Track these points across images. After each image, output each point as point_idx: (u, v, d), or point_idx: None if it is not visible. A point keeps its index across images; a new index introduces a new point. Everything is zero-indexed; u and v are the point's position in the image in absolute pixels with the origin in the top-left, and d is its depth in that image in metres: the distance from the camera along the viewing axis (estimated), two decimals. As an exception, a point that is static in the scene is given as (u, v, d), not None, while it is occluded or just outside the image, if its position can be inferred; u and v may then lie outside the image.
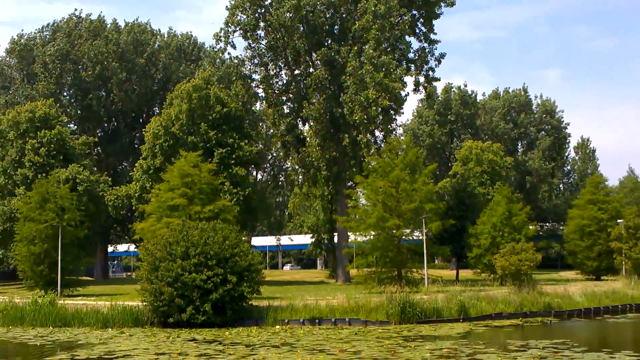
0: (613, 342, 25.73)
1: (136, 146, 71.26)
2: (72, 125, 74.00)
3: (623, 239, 46.88)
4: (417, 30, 56.01)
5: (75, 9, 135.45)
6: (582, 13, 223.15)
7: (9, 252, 54.16)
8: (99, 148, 76.56)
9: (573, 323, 32.27)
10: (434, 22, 55.87)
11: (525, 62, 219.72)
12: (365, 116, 50.67)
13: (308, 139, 57.79)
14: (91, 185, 56.46)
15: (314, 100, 54.76)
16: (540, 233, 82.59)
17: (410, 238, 43.91)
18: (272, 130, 63.95)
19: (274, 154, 79.48)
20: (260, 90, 58.74)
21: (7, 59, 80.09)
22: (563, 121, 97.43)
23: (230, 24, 55.71)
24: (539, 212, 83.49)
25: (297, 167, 61.24)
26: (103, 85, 74.73)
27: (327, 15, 55.35)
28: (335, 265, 60.25)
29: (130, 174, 64.96)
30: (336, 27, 55.84)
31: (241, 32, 56.09)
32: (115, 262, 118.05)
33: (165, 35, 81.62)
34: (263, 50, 56.84)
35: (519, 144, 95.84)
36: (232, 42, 56.60)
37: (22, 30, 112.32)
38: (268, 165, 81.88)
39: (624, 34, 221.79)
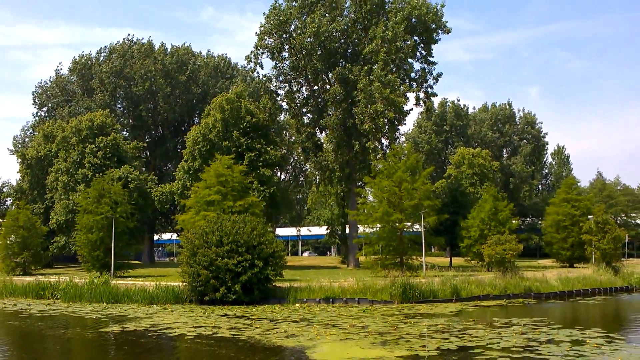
0: (584, 320, 25.55)
1: (179, 150, 71.35)
2: (124, 132, 74.35)
3: (593, 232, 46.43)
4: (418, 54, 55.69)
5: (128, 34, 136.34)
6: (558, 39, 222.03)
7: (70, 239, 54.45)
8: (147, 152, 76.93)
9: (550, 304, 32.06)
10: (433, 46, 55.56)
11: (510, 81, 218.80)
12: (373, 126, 50.63)
13: (324, 145, 57.80)
14: (140, 183, 56.78)
15: (330, 112, 54.80)
16: (522, 227, 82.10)
17: (411, 230, 43.77)
18: (294, 138, 63.94)
19: (295, 158, 79.44)
20: (284, 104, 58.83)
21: (69, 76, 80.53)
22: (542, 131, 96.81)
23: (259, 47, 55.79)
24: (520, 208, 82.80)
25: (314, 169, 61.23)
26: (151, 98, 75.01)
27: (342, 40, 55.27)
28: (347, 252, 60.12)
29: (173, 173, 65.06)
30: (349, 50, 55.78)
31: (268, 54, 56.19)
32: (160, 248, 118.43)
33: (204, 57, 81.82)
34: (287, 70, 56.89)
35: (504, 151, 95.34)
36: (261, 62, 56.73)
37: (82, 51, 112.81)
38: (290, 167, 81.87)
39: (594, 57, 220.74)
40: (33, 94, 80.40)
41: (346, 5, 55.39)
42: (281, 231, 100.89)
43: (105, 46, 79.36)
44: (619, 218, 72.40)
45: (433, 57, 55.92)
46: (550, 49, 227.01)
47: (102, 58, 77.71)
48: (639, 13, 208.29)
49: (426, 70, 55.92)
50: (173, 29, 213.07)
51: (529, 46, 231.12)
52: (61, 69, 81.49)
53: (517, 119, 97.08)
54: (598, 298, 35.08)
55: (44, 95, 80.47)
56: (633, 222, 78.12)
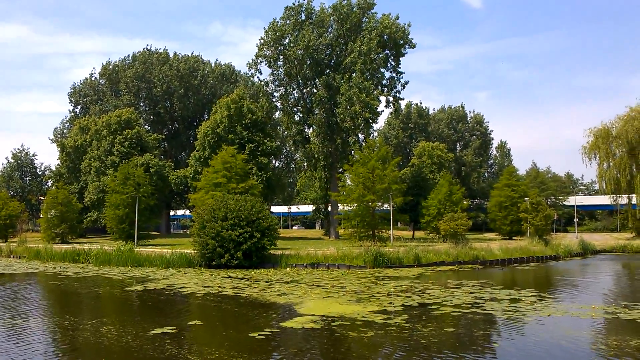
0: (520, 282, 25.79)
1: (191, 141, 70.94)
2: (146, 126, 73.65)
3: (528, 211, 46.73)
4: (389, 64, 55.54)
5: (147, 44, 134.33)
6: (503, 54, 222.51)
7: (100, 214, 54.15)
8: (165, 142, 76.32)
9: (493, 269, 32.32)
10: (401, 58, 55.46)
11: (463, 87, 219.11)
12: (352, 124, 50.57)
13: (312, 138, 57.67)
14: (159, 168, 56.46)
15: (317, 112, 54.61)
16: (471, 206, 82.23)
17: (381, 208, 43.86)
18: (286, 132, 63.71)
19: (287, 148, 79.31)
20: (279, 104, 58.52)
21: (99, 79, 79.58)
22: (488, 129, 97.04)
23: (259, 57, 55.44)
24: (470, 192, 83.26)
25: (303, 158, 61.12)
26: (168, 98, 74.33)
27: (327, 53, 54.96)
28: (329, 226, 60.20)
29: (187, 161, 64.80)
30: (333, 61, 55.46)
31: (266, 62, 55.80)
32: (175, 222, 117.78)
33: (212, 64, 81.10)
34: (281, 76, 56.50)
35: (458, 144, 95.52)
36: (260, 69, 56.78)
37: (109, 58, 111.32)
38: (283, 156, 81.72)
39: (530, 69, 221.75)
40: (69, 95, 79.52)
41: (330, 24, 55.16)
42: (275, 209, 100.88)
43: (129, 55, 78.56)
44: (549, 200, 72.95)
45: (400, 67, 55.94)
46: (495, 62, 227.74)
47: (126, 65, 76.77)
48: (567, 31, 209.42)
49: (395, 79, 55.89)
50: (186, 41, 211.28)
51: (478, 59, 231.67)
52: (94, 73, 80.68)
53: (468, 119, 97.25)
54: (532, 264, 35.43)
55: (78, 95, 79.51)
56: (560, 203, 78.83)
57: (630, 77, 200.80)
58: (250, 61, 55.98)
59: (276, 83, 57.01)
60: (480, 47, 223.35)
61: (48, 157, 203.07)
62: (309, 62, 53.90)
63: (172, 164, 63.70)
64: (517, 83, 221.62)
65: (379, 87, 54.66)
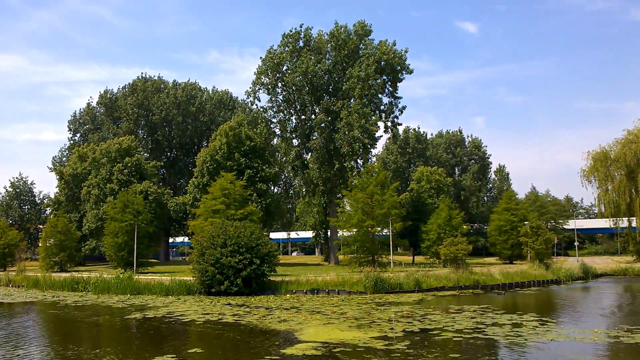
0: (521, 306, 25.71)
1: (190, 168, 71.05)
2: (145, 154, 73.84)
3: (528, 235, 46.73)
4: (387, 90, 56.06)
5: (142, 72, 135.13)
6: (499, 79, 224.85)
7: (99, 242, 53.96)
8: (164, 170, 76.51)
9: (494, 294, 32.22)
10: (398, 84, 55.97)
11: (460, 112, 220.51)
12: (350, 149, 50.87)
13: (310, 164, 57.85)
14: (158, 195, 56.43)
15: (315, 137, 54.93)
16: (471, 231, 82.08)
17: (381, 233, 43.74)
18: (285, 158, 63.99)
19: (286, 174, 79.46)
20: (277, 130, 58.88)
21: (98, 108, 80.00)
22: (486, 153, 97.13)
23: (257, 84, 55.99)
24: (470, 216, 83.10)
25: (302, 183, 61.22)
26: (167, 125, 74.74)
27: (325, 79, 55.55)
28: (329, 252, 60.04)
29: (185, 187, 64.81)
30: (331, 87, 56.01)
31: (265, 89, 56.32)
32: (174, 249, 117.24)
33: (210, 91, 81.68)
34: (280, 102, 56.99)
35: (456, 169, 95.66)
36: (258, 96, 57.01)
37: (107, 87, 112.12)
38: (282, 182, 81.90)
39: (527, 93, 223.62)
40: (68, 123, 79.88)
41: (328, 50, 55.84)
42: (274, 235, 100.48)
43: (128, 83, 79.15)
44: (549, 224, 72.91)
45: (398, 93, 56.42)
46: (492, 86, 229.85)
47: (127, 92, 77.26)
48: (562, 56, 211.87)
49: (393, 104, 56.31)
50: (184, 68, 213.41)
51: (475, 84, 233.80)
52: (92, 102, 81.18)
53: (466, 143, 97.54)
54: (533, 289, 35.34)
55: (77, 123, 79.88)
56: (560, 227, 78.81)
57: (625, 101, 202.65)
58: (249, 89, 56.60)
59: (274, 109, 57.52)
60: (475, 72, 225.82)
61: (47, 185, 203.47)
62: (307, 89, 54.46)
63: (171, 191, 63.80)
64: (513, 108, 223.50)
65: (377, 112, 55.10)
